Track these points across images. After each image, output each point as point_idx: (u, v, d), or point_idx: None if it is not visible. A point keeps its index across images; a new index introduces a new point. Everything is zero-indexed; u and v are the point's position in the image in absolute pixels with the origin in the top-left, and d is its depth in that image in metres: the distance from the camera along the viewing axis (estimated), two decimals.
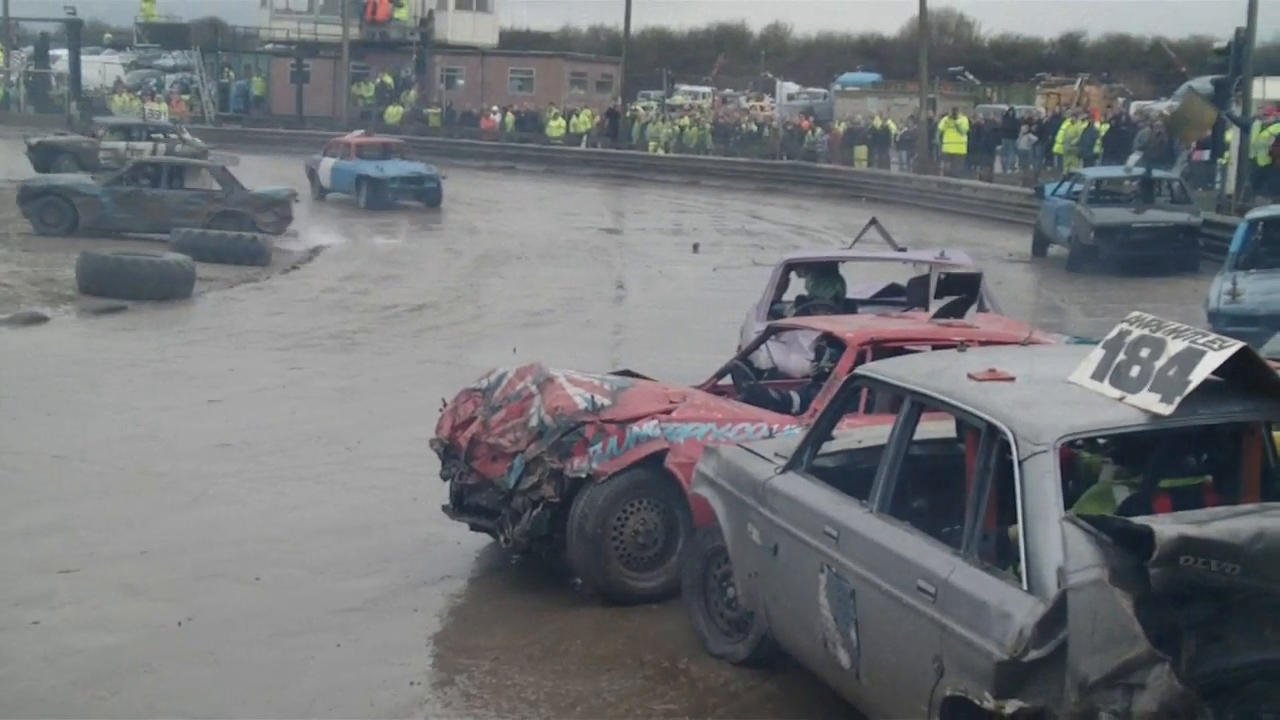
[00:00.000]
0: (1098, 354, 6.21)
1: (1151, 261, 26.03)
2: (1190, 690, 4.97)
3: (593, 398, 9.51)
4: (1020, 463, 5.76)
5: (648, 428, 9.30)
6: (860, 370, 7.54)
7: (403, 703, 7.92)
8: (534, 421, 9.51)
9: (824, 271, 15.02)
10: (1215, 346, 5.81)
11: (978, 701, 5.60)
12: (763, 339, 11.40)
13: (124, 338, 19.63)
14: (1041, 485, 5.67)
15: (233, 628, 8.96)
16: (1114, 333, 6.22)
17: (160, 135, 41.52)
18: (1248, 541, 5.02)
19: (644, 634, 8.87)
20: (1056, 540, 5.45)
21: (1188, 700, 4.94)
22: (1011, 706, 5.40)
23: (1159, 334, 6.02)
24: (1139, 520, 5.24)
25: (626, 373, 10.74)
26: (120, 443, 13.45)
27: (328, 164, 39.60)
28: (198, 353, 18.58)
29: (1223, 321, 16.47)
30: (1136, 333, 6.11)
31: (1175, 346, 5.91)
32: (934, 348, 9.86)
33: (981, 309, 12.51)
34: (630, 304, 23.95)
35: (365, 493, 11.92)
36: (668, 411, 9.44)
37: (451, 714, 7.81)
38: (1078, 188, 28.83)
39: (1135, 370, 5.98)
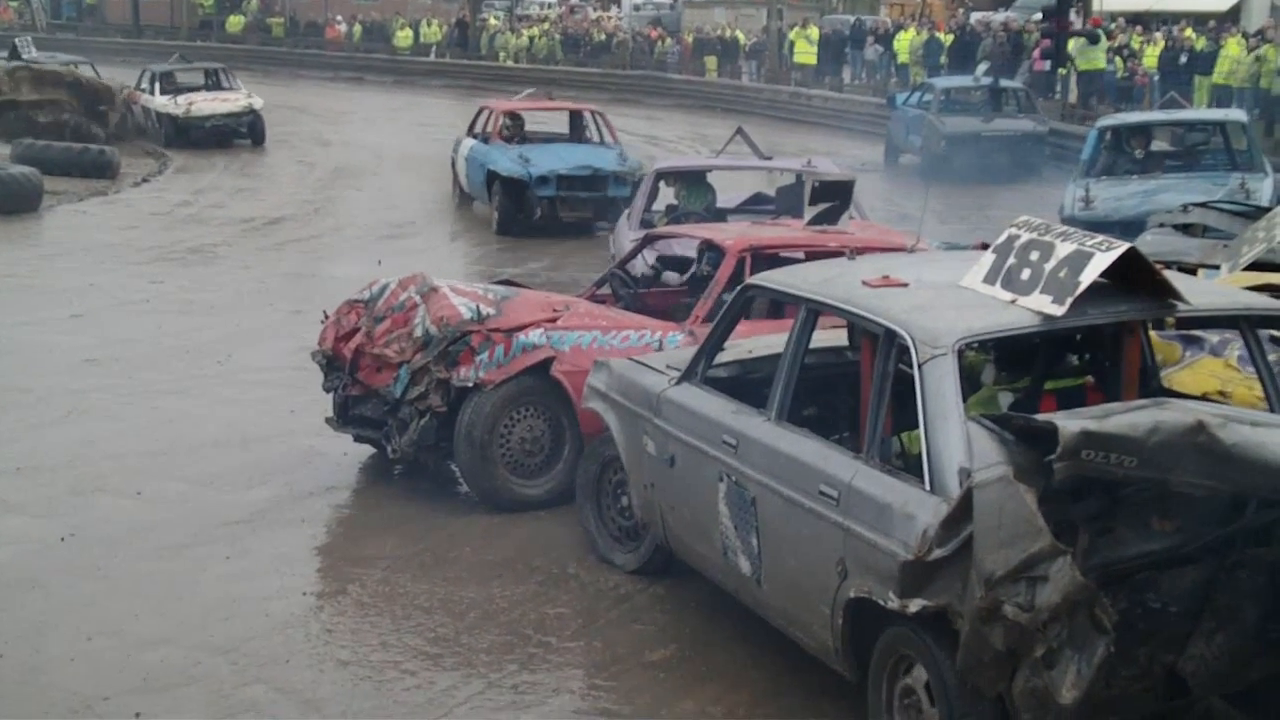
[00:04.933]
0: (988, 258, 6.31)
1: (1000, 169, 26.43)
2: (1090, 581, 5.13)
3: (478, 307, 9.53)
4: (920, 366, 5.84)
5: (534, 336, 9.36)
6: (753, 280, 7.58)
7: (297, 613, 7.94)
8: (419, 331, 9.52)
9: (694, 181, 15.09)
10: (1103, 248, 5.92)
11: (882, 602, 5.71)
12: (640, 248, 11.46)
13: None
14: (942, 388, 5.75)
15: (118, 542, 8.92)
16: (1003, 237, 6.31)
17: None
18: (1145, 434, 5.14)
19: (533, 540, 8.96)
20: (959, 441, 5.54)
21: (1088, 591, 5.08)
22: (915, 605, 5.50)
23: (1047, 237, 6.13)
24: (1042, 417, 5.38)
25: (508, 282, 10.78)
26: None
27: (465, 148, 22.90)
28: (53, 267, 18.27)
29: (1077, 227, 16.82)
30: (1025, 236, 6.21)
31: (1064, 249, 6.02)
32: (810, 254, 10.04)
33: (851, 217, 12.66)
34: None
35: (241, 406, 11.84)
36: (552, 320, 9.51)
37: (346, 622, 7.84)
38: (928, 98, 29.14)
39: (1026, 273, 6.08)
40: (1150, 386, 6.99)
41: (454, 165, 23.64)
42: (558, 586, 8.31)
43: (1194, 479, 5.27)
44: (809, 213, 10.78)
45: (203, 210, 23.73)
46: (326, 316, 10.46)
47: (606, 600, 8.12)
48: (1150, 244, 10.71)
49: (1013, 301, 6.09)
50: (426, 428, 9.34)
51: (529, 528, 9.16)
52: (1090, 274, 5.88)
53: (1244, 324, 6.55)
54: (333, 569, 8.70)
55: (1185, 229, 11.48)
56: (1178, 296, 6.17)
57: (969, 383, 6.90)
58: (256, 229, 21.91)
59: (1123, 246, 5.96)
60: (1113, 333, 6.78)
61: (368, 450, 10.33)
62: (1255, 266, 8.87)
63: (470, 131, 23.22)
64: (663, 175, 15.33)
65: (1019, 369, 7.04)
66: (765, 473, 6.60)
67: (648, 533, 8.17)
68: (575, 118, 23.61)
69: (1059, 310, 5.90)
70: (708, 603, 7.87)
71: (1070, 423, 5.15)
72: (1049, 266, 6.03)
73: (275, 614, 7.90)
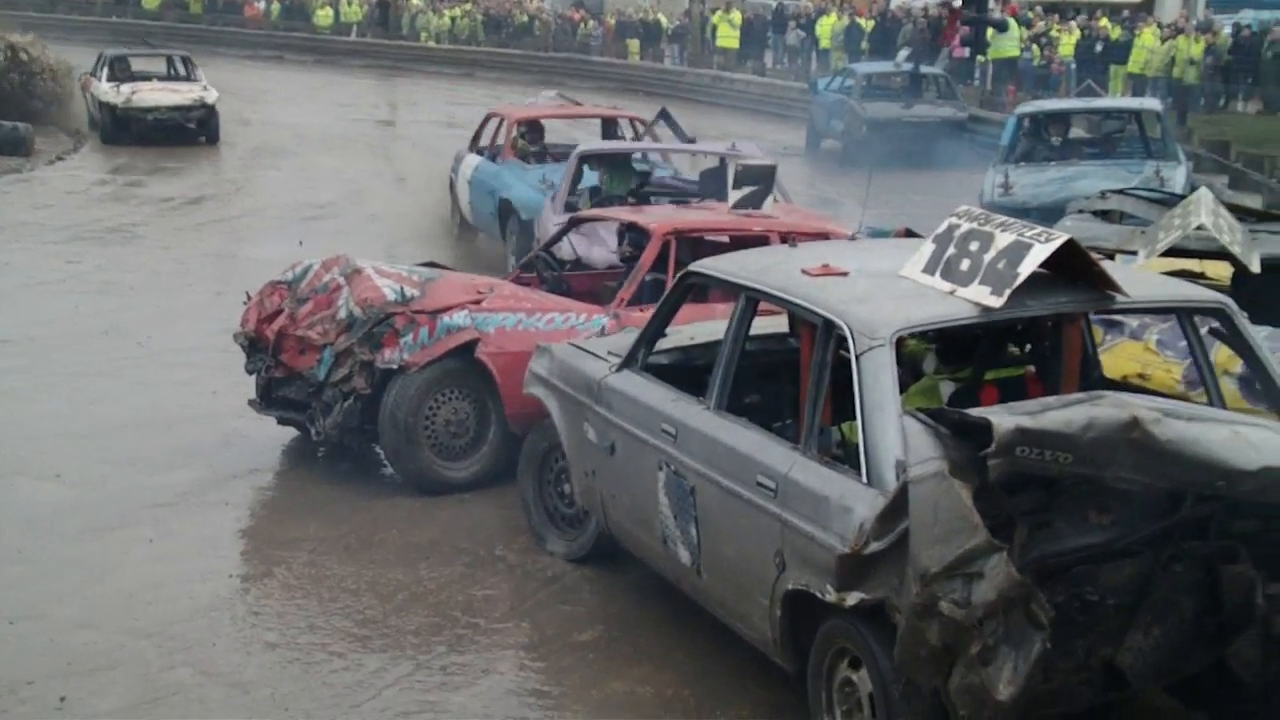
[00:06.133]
0: (928, 248, 6.27)
1: (921, 154, 26.48)
2: (1025, 577, 5.08)
3: (402, 289, 9.47)
4: (858, 357, 5.80)
5: (458, 318, 9.31)
6: (693, 267, 7.47)
7: (223, 595, 7.87)
8: (343, 313, 9.45)
9: (618, 164, 15.02)
10: (1042, 239, 5.89)
11: (819, 594, 5.66)
12: (565, 230, 11.40)
13: None
14: (879, 379, 5.71)
15: (39, 525, 8.80)
16: (943, 227, 6.27)
17: None
18: (1080, 430, 5.09)
19: (458, 523, 8.93)
20: (895, 433, 5.49)
21: (1023, 587, 5.03)
22: (853, 598, 5.44)
23: (987, 228, 6.10)
24: (977, 412, 5.30)
25: (432, 264, 10.70)
26: None
27: (469, 167, 18.01)
28: None
29: (997, 213, 16.93)
30: (965, 226, 6.19)
31: (1003, 240, 5.99)
32: (734, 237, 10.05)
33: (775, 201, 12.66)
34: (414, 197, 23.51)
35: (163, 388, 11.70)
36: (477, 302, 9.46)
37: (273, 605, 7.78)
38: (849, 83, 29.23)
39: (965, 264, 6.04)
40: (1091, 377, 7.01)
41: (453, 187, 18.84)
42: (485, 568, 8.28)
43: (1129, 474, 5.23)
44: (733, 196, 10.78)
45: (120, 189, 23.44)
46: (249, 298, 10.34)
47: (535, 582, 8.10)
48: (1069, 229, 10.76)
49: (952, 292, 6.04)
50: (350, 410, 9.28)
51: (454, 510, 9.13)
52: (1029, 265, 5.85)
53: (1181, 314, 6.57)
54: (258, 552, 8.62)
55: (1103, 215, 11.56)
56: (1116, 288, 6.17)
57: (910, 372, 6.92)
58: (176, 208, 21.65)
59: (1061, 238, 5.93)
60: (1054, 323, 6.79)
61: (291, 432, 10.24)
62: (1171, 253, 8.95)
63: (474, 145, 18.43)
64: (585, 158, 15.21)
65: (960, 359, 7.03)
66: (704, 462, 6.55)
67: (588, 523, 8.15)
68: (609, 126, 19.01)
69: (998, 301, 5.87)
70: (637, 585, 7.88)
71: (1005, 419, 5.09)
72: (988, 257, 5.99)
73: (200, 597, 7.82)
